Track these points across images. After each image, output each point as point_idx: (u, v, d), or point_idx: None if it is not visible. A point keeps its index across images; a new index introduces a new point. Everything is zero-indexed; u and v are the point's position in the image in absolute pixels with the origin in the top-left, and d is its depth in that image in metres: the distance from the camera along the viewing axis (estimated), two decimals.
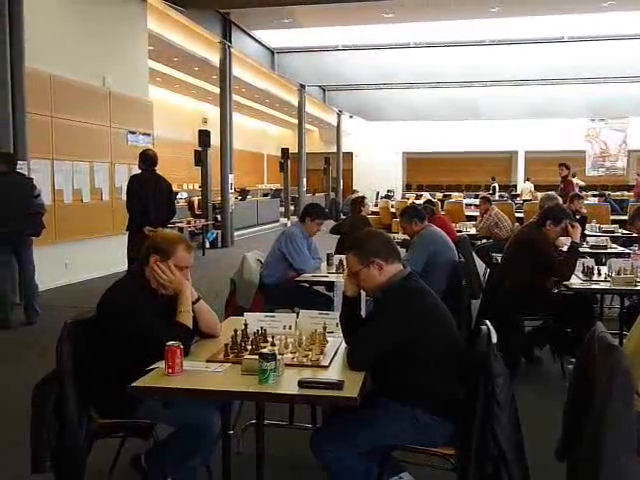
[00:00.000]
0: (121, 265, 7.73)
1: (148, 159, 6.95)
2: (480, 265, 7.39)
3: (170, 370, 2.30)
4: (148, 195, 6.74)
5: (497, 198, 18.59)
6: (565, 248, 5.02)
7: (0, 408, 4.07)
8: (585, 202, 10.64)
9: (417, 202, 12.62)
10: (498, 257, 5.27)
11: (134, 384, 2.24)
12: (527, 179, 22.99)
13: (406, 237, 5.81)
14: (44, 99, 8.03)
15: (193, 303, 2.73)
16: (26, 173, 7.30)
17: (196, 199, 14.79)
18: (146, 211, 6.68)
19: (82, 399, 2.53)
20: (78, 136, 8.67)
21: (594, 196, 17.13)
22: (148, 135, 10.55)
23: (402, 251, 3.34)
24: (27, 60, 7.27)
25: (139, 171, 7.08)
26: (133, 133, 10.08)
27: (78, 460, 2.49)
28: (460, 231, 8.64)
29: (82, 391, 2.54)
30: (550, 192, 8.02)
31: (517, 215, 12.77)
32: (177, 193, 15.59)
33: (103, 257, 8.66)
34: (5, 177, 6.25)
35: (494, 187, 23.30)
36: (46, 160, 8.14)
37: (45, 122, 8.09)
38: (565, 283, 4.57)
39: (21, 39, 7.18)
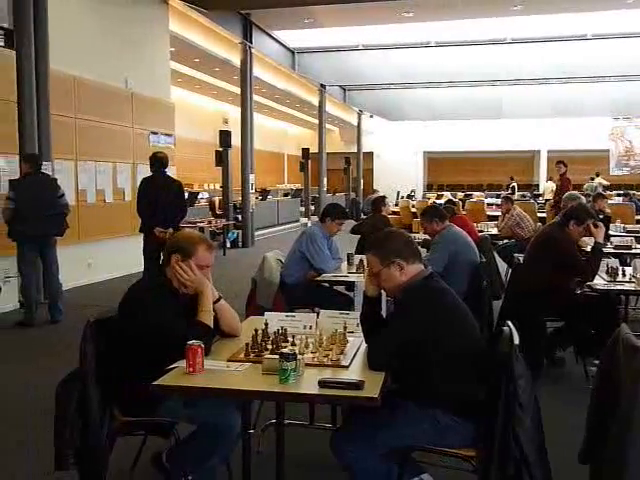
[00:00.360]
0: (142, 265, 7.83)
1: (158, 161, 7.01)
2: (502, 265, 7.34)
3: (191, 369, 2.31)
4: (158, 197, 6.82)
5: (517, 198, 18.39)
6: (589, 248, 4.95)
7: (24, 406, 4.12)
8: (609, 202, 10.54)
9: (438, 202, 12.53)
10: (520, 257, 5.22)
11: (155, 383, 2.26)
12: (549, 178, 22.74)
13: (427, 237, 5.78)
14: (68, 101, 8.13)
15: (214, 303, 2.75)
16: (50, 174, 7.41)
17: (217, 199, 14.86)
18: (155, 212, 6.78)
19: (104, 397, 2.56)
20: (101, 137, 8.76)
21: (619, 195, 16.88)
22: (170, 136, 10.63)
23: (423, 251, 3.32)
24: (51, 62, 7.38)
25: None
26: (155, 134, 10.17)
27: (100, 458, 2.51)
28: (481, 231, 8.58)
29: (104, 389, 2.56)
30: (573, 191, 7.94)
31: (539, 215, 12.64)
32: (198, 193, 15.69)
33: (125, 257, 8.72)
34: (30, 177, 6.36)
35: (513, 187, 23.07)
36: (70, 161, 8.24)
37: (69, 123, 8.19)
38: (589, 284, 4.51)
39: (45, 42, 7.28)
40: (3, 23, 6.95)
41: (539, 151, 27.62)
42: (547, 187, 21.55)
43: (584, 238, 5.13)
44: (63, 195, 6.54)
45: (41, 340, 5.93)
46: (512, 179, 24.11)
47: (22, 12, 7.05)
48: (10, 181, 6.51)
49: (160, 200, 6.80)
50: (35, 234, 6.25)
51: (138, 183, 9.50)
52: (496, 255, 7.20)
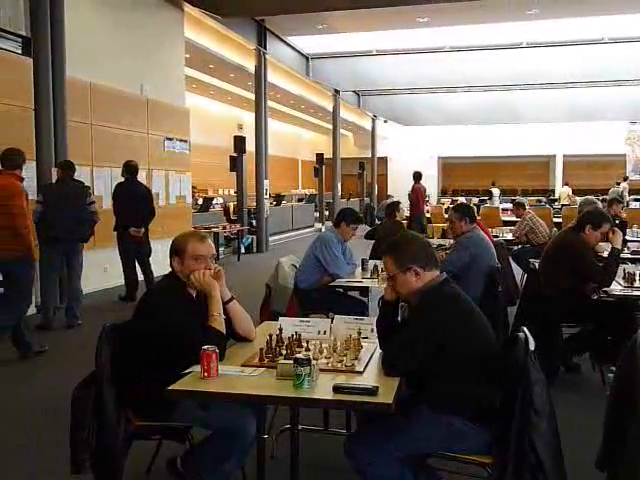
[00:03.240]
0: (158, 270, 7.87)
1: (129, 168, 7.72)
2: (517, 271, 7.29)
3: (206, 374, 2.32)
4: (130, 200, 7.55)
5: (498, 204, 18.26)
6: (605, 254, 4.91)
7: (41, 410, 4.16)
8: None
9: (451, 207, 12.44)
10: (535, 262, 5.18)
11: (170, 387, 2.27)
12: (565, 183, 22.57)
13: (442, 243, 5.76)
14: (84, 107, 8.21)
15: (225, 303, 2.76)
16: (84, 181, 7.49)
17: (231, 204, 14.92)
18: (128, 213, 7.52)
19: (120, 401, 2.57)
20: (116, 143, 8.84)
21: (636, 200, 16.74)
22: (185, 141, 10.70)
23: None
24: (67, 69, 7.46)
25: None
26: (170, 139, 10.24)
27: (116, 461, 2.53)
28: (496, 236, 8.54)
29: (120, 393, 2.58)
30: (589, 196, 7.88)
31: (555, 220, 12.55)
32: (213, 198, 15.75)
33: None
34: (61, 183, 6.53)
35: (491, 192, 22.75)
36: (86, 167, 8.31)
37: (85, 129, 8.26)
38: (605, 289, 4.47)
39: (62, 49, 7.36)
40: (20, 31, 7.04)
41: (555, 156, 27.44)
42: (563, 192, 21.39)
43: (601, 243, 5.09)
44: (93, 202, 6.64)
45: (57, 343, 5.97)
46: (493, 184, 23.77)
47: (39, 20, 7.14)
48: (40, 186, 6.71)
49: (133, 203, 7.54)
50: (59, 237, 6.33)
51: (153, 189, 9.63)
52: (511, 260, 7.16)
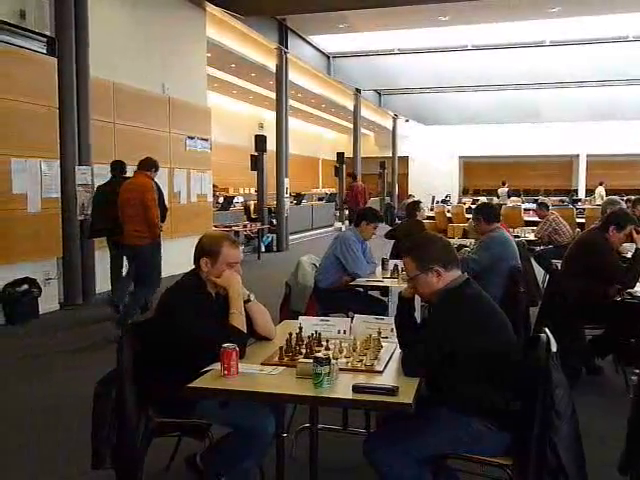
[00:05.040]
0: (178, 268, 7.92)
1: (118, 166, 7.33)
2: (539, 271, 7.22)
3: (226, 372, 2.33)
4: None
5: (509, 204, 18.03)
6: (629, 255, 4.84)
7: (62, 409, 4.21)
8: None
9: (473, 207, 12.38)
10: (558, 263, 5.12)
11: (191, 385, 2.28)
12: (600, 183, 22.02)
13: (462, 243, 5.72)
14: (107, 106, 8.29)
15: (245, 302, 2.76)
16: (89, 178, 7.58)
17: (252, 203, 14.97)
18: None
19: (140, 398, 2.59)
20: (139, 141, 8.90)
21: None
22: (206, 140, 10.75)
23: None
24: (91, 69, 7.54)
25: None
26: (191, 138, 10.30)
27: (136, 457, 2.55)
28: (518, 236, 8.46)
29: (141, 390, 2.60)
30: (613, 196, 7.77)
31: (578, 220, 12.40)
32: (233, 197, 15.82)
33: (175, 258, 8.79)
34: (111, 182, 7.05)
35: (508, 192, 22.41)
36: (108, 165, 8.38)
37: (108, 128, 8.34)
38: (629, 291, 4.41)
39: (86, 49, 7.45)
40: (45, 31, 7.13)
41: (578, 155, 27.13)
42: (598, 192, 21.01)
43: (625, 244, 5.02)
44: None
45: (80, 339, 6.04)
46: (504, 184, 23.46)
47: (64, 20, 7.24)
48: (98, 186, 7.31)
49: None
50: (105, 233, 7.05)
51: (174, 188, 9.70)
52: (533, 261, 7.09)
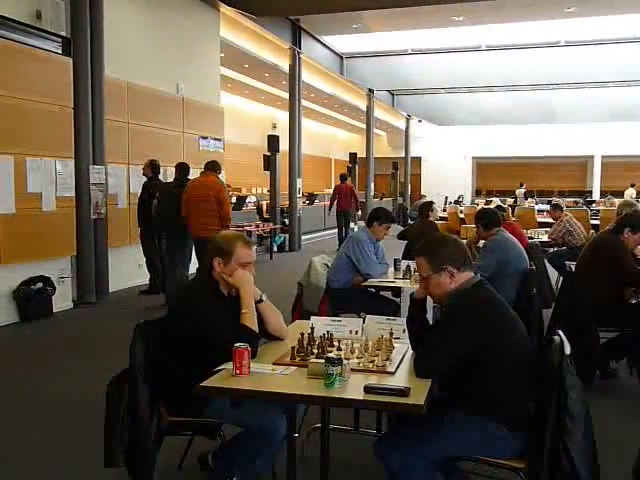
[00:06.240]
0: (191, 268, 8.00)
1: (156, 168, 8.03)
2: (553, 273, 7.17)
3: (238, 371, 2.33)
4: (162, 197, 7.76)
5: (526, 204, 17.91)
6: None
7: (74, 406, 4.24)
8: None
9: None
10: (572, 265, 5.09)
11: (202, 384, 2.29)
12: (632, 185, 21.62)
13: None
14: (121, 106, 8.34)
15: (256, 303, 2.76)
16: (103, 177, 7.63)
17: (265, 203, 14.99)
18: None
19: (153, 397, 2.60)
20: (152, 141, 8.95)
21: None
22: (219, 140, 10.79)
23: None
24: (106, 69, 7.59)
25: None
26: (205, 138, 10.33)
27: (149, 455, 2.56)
28: (531, 238, 8.42)
29: (153, 389, 2.61)
30: (628, 199, 7.70)
31: (592, 222, 12.30)
32: (246, 197, 15.84)
33: None
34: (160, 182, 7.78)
35: (525, 193, 22.24)
36: (122, 165, 8.44)
37: (122, 128, 8.40)
38: None
39: (101, 50, 7.50)
40: (61, 31, 7.18)
41: (593, 156, 26.92)
42: (629, 193, 20.77)
43: (639, 247, 4.97)
44: None
45: (93, 337, 6.07)
46: (521, 185, 23.27)
47: (79, 21, 7.29)
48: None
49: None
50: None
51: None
52: (547, 263, 7.05)
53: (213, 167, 7.23)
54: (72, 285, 7.44)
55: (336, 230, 14.73)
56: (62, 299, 7.16)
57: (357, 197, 14.71)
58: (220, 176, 7.54)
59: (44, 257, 6.93)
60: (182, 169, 7.64)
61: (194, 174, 7.59)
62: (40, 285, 6.75)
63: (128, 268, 8.48)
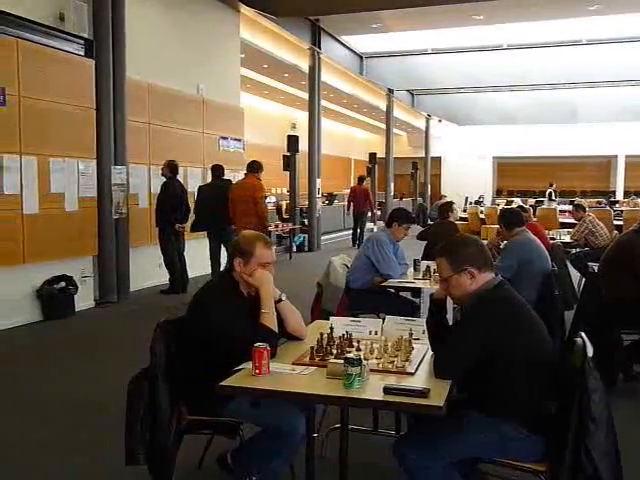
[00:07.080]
0: (207, 269, 8.08)
1: (174, 169, 8.13)
2: (575, 274, 7.09)
3: (257, 371, 2.34)
4: (174, 197, 8.03)
5: (554, 205, 17.68)
6: None
7: (96, 405, 4.28)
8: None
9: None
10: (594, 266, 5.03)
11: (222, 383, 2.29)
12: None
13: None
14: (142, 107, 8.40)
15: (276, 302, 2.77)
16: (125, 178, 7.70)
17: (284, 203, 15.02)
18: (172, 210, 8.03)
19: (173, 396, 2.62)
20: (173, 142, 9.01)
21: None
22: (239, 140, 10.83)
23: None
24: (127, 70, 7.66)
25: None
26: (225, 139, 10.38)
27: (169, 454, 2.57)
28: (553, 238, 8.33)
29: (173, 388, 2.63)
30: None
31: (616, 222, 12.14)
32: (266, 197, 15.87)
33: (194, 259, 8.90)
34: (210, 184, 8.18)
35: (550, 193, 21.97)
36: (143, 165, 8.51)
37: (143, 129, 8.46)
38: None
39: (123, 51, 7.57)
40: (83, 34, 7.26)
41: (616, 156, 26.56)
42: None
43: None
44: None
45: (115, 336, 6.13)
46: (551, 185, 22.98)
47: (101, 23, 7.36)
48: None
49: (174, 200, 8.03)
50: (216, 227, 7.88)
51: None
52: (569, 264, 6.96)
53: (252, 168, 7.75)
54: (94, 284, 7.52)
55: None
56: (84, 298, 7.24)
57: (371, 199, 14.97)
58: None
59: (67, 257, 7.01)
60: (214, 170, 8.21)
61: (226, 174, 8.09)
62: (63, 284, 6.83)
63: (149, 268, 8.54)
